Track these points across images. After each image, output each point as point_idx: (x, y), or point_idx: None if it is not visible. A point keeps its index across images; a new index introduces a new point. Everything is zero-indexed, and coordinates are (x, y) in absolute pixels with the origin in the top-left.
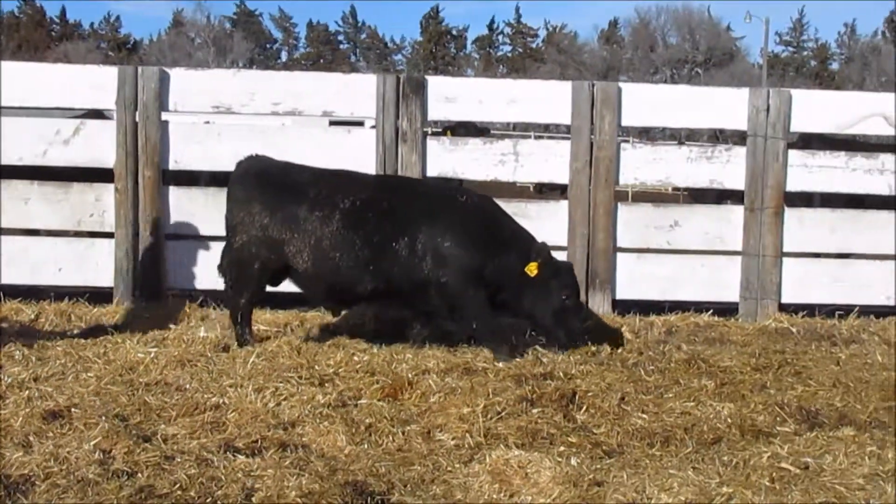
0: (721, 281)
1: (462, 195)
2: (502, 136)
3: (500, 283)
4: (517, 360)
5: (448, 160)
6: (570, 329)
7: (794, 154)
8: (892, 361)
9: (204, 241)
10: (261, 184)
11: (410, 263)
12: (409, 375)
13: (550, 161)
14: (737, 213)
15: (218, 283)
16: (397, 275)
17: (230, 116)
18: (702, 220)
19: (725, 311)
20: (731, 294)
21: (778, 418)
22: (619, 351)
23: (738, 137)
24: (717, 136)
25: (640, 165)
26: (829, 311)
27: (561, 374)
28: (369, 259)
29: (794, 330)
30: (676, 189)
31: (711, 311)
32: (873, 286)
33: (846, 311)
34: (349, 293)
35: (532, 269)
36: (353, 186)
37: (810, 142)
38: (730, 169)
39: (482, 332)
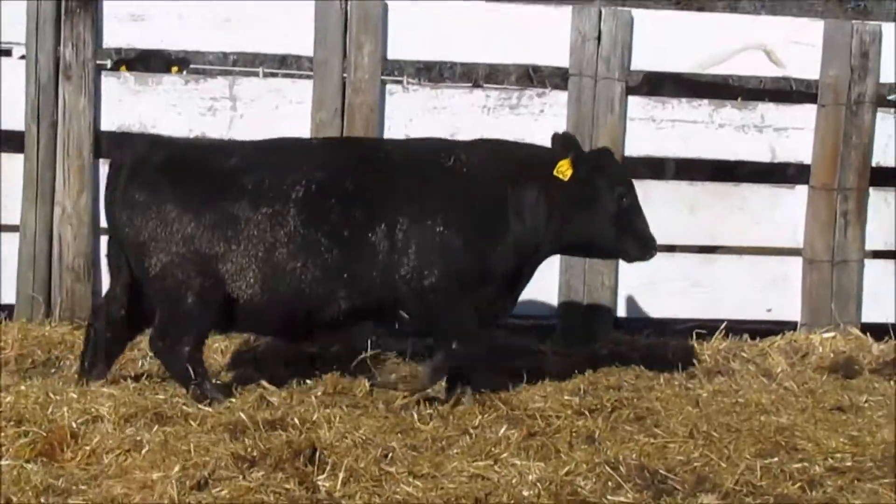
0: (531, 285)
1: (449, 157)
2: (218, 72)
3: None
4: (232, 400)
5: (132, 107)
6: (640, 237)
7: (636, 102)
8: (772, 400)
9: None
10: (171, 175)
11: (388, 262)
12: (74, 424)
13: (284, 109)
14: None
15: None
16: (376, 281)
17: None
18: None
19: (538, 328)
20: (544, 305)
21: (610, 483)
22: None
23: (559, 78)
24: (531, 77)
25: (414, 116)
26: (685, 328)
27: (296, 420)
28: (341, 263)
29: (634, 356)
30: None
31: (517, 328)
32: (749, 292)
33: (710, 328)
34: (316, 318)
35: (564, 168)
36: (308, 161)
37: (660, 85)
38: (544, 122)
39: (460, 355)
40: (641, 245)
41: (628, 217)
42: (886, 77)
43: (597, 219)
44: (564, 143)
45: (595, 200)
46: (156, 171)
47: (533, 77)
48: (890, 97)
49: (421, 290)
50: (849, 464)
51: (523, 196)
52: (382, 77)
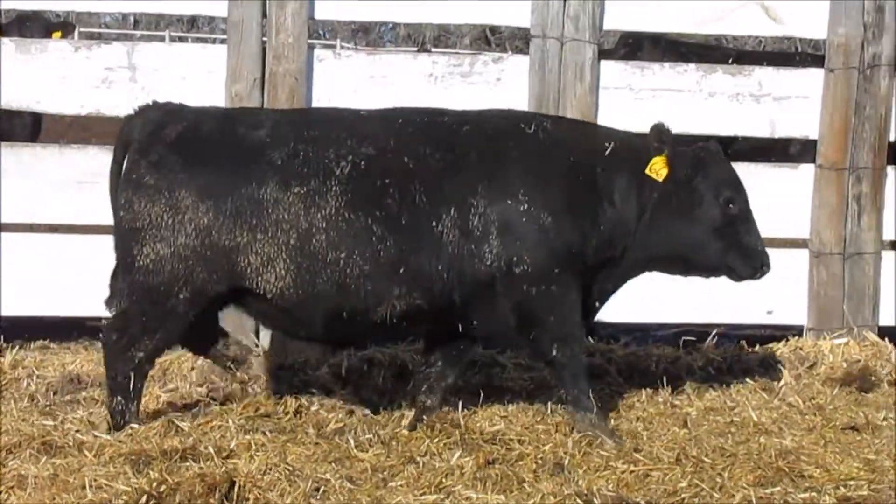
0: None
1: (529, 125)
2: (115, 37)
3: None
4: (134, 426)
5: (13, 79)
6: (750, 251)
7: (610, 68)
8: (774, 419)
9: None
10: (190, 153)
11: (466, 253)
12: None
13: (192, 80)
14: None
15: None
16: (441, 275)
17: None
18: None
19: None
20: None
21: None
22: (313, 407)
23: (521, 40)
24: (488, 39)
25: (348, 87)
26: (670, 334)
27: (211, 449)
28: (398, 256)
29: (611, 368)
30: None
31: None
32: (745, 292)
33: (699, 335)
34: (362, 321)
35: (658, 167)
36: (352, 134)
37: (639, 48)
38: (502, 93)
39: (570, 368)
40: (751, 261)
41: (736, 227)
42: None
43: (697, 229)
44: (660, 137)
45: (695, 207)
46: (169, 147)
47: (490, 39)
48: None
49: (511, 282)
50: (864, 493)
51: (614, 180)
52: (310, 41)
